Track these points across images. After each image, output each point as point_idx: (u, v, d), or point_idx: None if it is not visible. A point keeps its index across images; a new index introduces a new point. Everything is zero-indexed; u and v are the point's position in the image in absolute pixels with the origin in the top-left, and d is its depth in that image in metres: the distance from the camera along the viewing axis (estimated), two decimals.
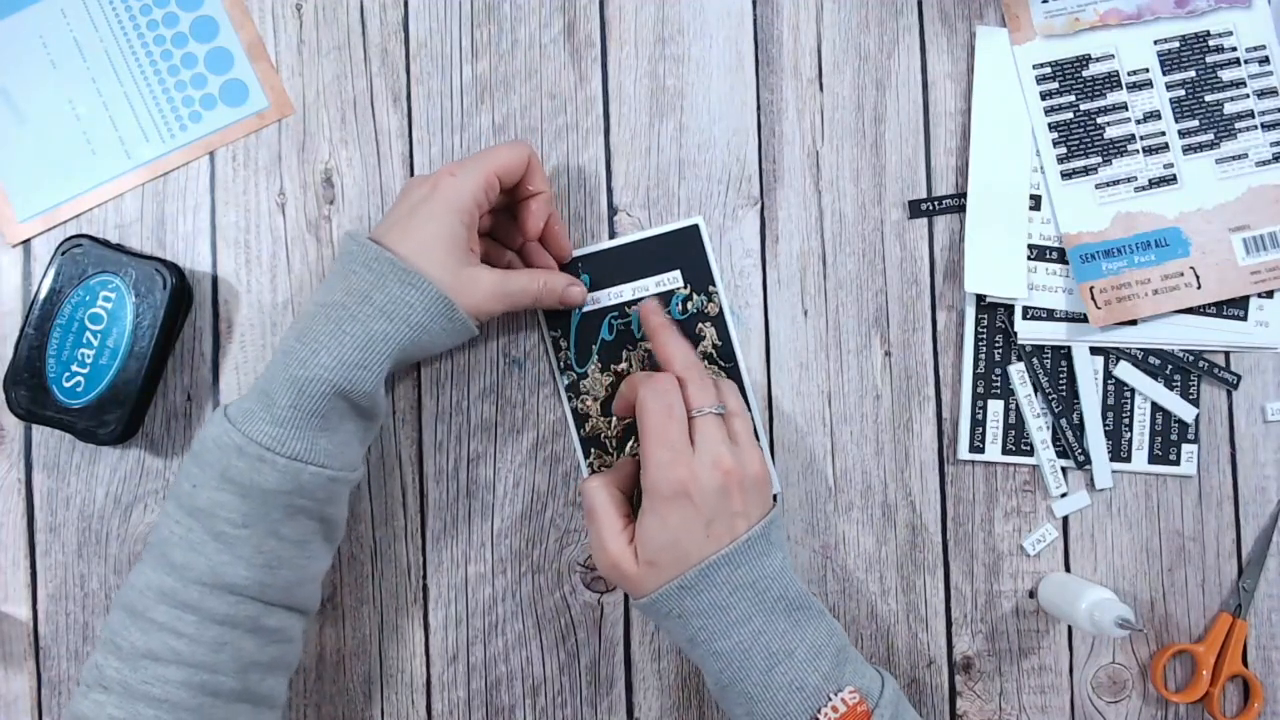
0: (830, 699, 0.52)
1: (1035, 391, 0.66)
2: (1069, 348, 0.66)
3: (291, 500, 0.52)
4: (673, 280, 0.65)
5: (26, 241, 0.65)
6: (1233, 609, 0.66)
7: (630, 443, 0.65)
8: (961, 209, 0.66)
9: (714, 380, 0.58)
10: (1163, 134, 0.66)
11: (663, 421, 0.55)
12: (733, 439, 0.56)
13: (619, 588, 0.57)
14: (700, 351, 0.65)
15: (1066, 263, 0.66)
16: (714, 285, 0.65)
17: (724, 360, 0.65)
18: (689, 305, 0.65)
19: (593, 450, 0.65)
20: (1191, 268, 0.65)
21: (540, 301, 0.61)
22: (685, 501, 0.54)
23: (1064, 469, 0.66)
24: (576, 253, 0.65)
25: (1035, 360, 0.66)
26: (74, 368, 0.60)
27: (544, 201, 0.61)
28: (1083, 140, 0.66)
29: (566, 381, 0.65)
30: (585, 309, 0.65)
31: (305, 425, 0.52)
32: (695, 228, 0.65)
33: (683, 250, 0.65)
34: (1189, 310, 0.66)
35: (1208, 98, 0.66)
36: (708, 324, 0.65)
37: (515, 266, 0.64)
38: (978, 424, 0.66)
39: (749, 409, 0.63)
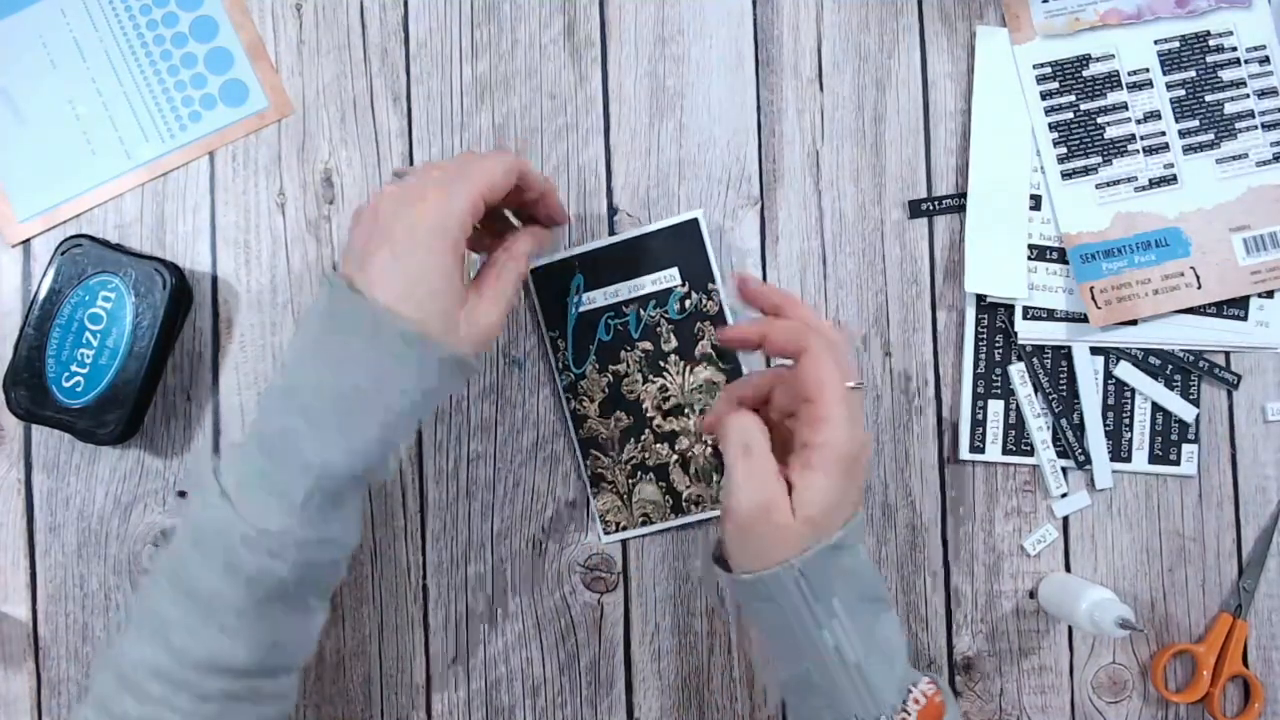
0: (911, 690, 0.51)
1: (1035, 391, 0.66)
2: (1069, 348, 0.66)
3: (300, 584, 0.50)
4: (670, 279, 0.65)
5: (26, 241, 0.65)
6: (1233, 609, 0.66)
7: (628, 444, 0.65)
8: (961, 209, 0.66)
9: None
10: (1163, 134, 0.66)
11: (840, 379, 0.50)
12: None
13: (738, 542, 0.51)
14: (699, 353, 0.65)
15: (1067, 263, 0.66)
16: (713, 283, 0.65)
17: (724, 361, 0.65)
18: (687, 304, 0.65)
19: (591, 452, 0.65)
20: (1192, 268, 0.65)
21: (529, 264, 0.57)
22: (858, 466, 0.50)
23: (1064, 469, 0.66)
24: (573, 251, 0.65)
25: (1035, 360, 0.66)
26: (74, 368, 0.60)
27: (552, 198, 0.57)
28: (1083, 140, 0.66)
29: (565, 382, 0.65)
30: (582, 309, 0.65)
31: (317, 511, 0.49)
32: (694, 222, 0.65)
33: (681, 246, 0.65)
34: (1189, 310, 0.66)
35: (1208, 98, 0.66)
36: (706, 323, 0.65)
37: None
38: (978, 424, 0.66)
39: None
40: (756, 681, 0.66)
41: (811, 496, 0.49)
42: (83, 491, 0.64)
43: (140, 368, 0.60)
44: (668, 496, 0.65)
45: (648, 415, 0.65)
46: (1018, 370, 0.66)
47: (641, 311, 0.65)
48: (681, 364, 0.64)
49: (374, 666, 0.65)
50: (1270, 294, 0.66)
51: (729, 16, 0.66)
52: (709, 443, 0.65)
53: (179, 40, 0.65)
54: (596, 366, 0.65)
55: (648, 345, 0.65)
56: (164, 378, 0.64)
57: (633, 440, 0.65)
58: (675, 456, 0.65)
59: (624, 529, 0.65)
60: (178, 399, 0.64)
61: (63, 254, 0.60)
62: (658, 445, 0.65)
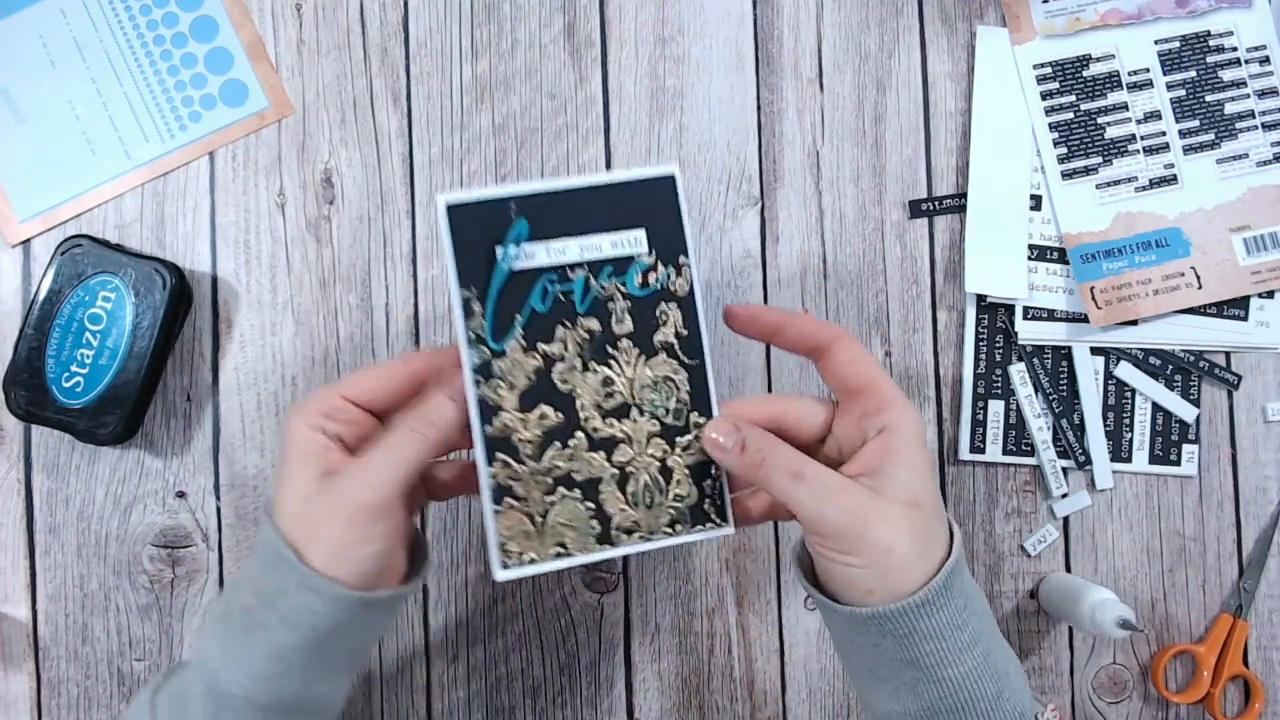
0: (1039, 718, 0.49)
1: (1036, 392, 0.66)
2: (1069, 348, 0.66)
3: None
4: (634, 242, 0.49)
5: (26, 241, 0.64)
6: (1233, 609, 0.66)
7: (551, 448, 0.48)
8: (962, 209, 0.66)
9: None
10: (1163, 134, 0.66)
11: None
12: None
13: (839, 566, 0.46)
14: (659, 341, 0.49)
15: (1067, 263, 0.66)
16: (685, 255, 0.49)
17: (687, 355, 0.49)
18: (651, 279, 0.49)
19: (498, 456, 0.47)
20: (1192, 268, 0.65)
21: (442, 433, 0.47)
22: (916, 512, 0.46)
23: (1065, 469, 0.66)
24: (512, 189, 0.47)
25: (1036, 360, 0.66)
26: (73, 368, 0.60)
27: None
28: (1083, 140, 0.66)
29: (477, 360, 0.47)
30: (516, 266, 0.47)
31: None
32: (670, 179, 0.49)
33: (650, 205, 0.49)
34: (1189, 310, 0.66)
35: (1208, 98, 0.66)
36: (672, 305, 0.49)
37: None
38: (978, 424, 0.66)
39: (712, 413, 0.50)
40: (757, 682, 0.66)
41: (908, 476, 0.45)
42: (83, 491, 0.64)
43: (140, 368, 0.60)
44: (594, 522, 0.48)
45: (582, 414, 0.48)
46: (1018, 370, 0.66)
47: (593, 280, 0.48)
48: (635, 353, 0.49)
49: (374, 666, 0.65)
50: (1270, 294, 0.66)
51: (729, 16, 0.66)
52: (659, 458, 0.49)
53: (179, 40, 0.65)
54: (523, 345, 0.47)
55: (594, 324, 0.48)
56: (164, 378, 0.64)
57: (558, 444, 0.48)
58: (613, 471, 0.48)
59: (530, 562, 0.47)
60: (178, 399, 0.64)
61: (63, 254, 0.60)
62: (591, 453, 0.48)
